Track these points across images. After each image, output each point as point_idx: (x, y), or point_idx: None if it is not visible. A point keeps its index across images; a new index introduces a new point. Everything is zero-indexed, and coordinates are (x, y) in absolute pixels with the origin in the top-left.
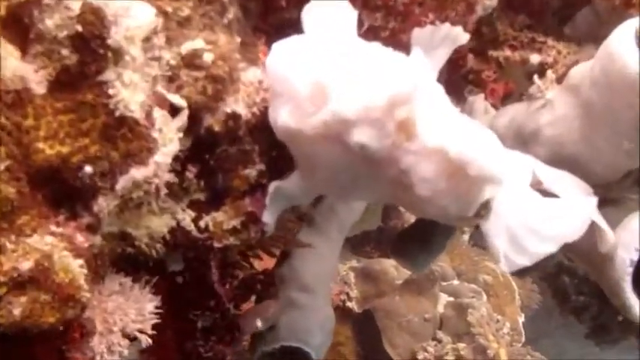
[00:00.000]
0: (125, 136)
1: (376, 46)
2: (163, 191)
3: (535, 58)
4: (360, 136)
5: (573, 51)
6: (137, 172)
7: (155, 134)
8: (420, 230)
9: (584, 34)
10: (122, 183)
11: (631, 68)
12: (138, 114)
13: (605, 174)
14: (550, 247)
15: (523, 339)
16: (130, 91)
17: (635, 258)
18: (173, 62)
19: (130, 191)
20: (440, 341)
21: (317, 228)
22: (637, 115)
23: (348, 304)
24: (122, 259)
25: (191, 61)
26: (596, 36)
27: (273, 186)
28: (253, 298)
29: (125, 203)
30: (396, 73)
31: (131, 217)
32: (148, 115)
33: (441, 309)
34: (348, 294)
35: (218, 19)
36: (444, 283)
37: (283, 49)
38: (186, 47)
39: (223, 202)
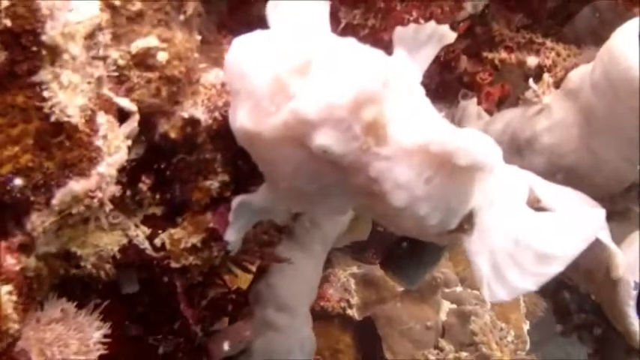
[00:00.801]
0: (62, 144)
1: (349, 43)
2: (108, 206)
3: (533, 61)
4: (323, 138)
5: (573, 53)
6: (77, 185)
7: (98, 142)
8: (410, 242)
9: (585, 35)
10: (59, 197)
11: (635, 70)
12: (77, 119)
13: (607, 185)
14: (531, 285)
15: (528, 347)
16: (68, 93)
17: None
18: (122, 62)
19: (69, 206)
20: (442, 349)
21: (297, 241)
22: None
23: (349, 311)
24: (66, 282)
25: (143, 60)
26: (597, 37)
27: (237, 201)
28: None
29: (64, 220)
30: (364, 71)
31: (75, 235)
32: (90, 120)
33: (443, 316)
34: (348, 301)
35: (175, 14)
36: (447, 290)
37: (244, 43)
38: (137, 45)
39: (182, 217)
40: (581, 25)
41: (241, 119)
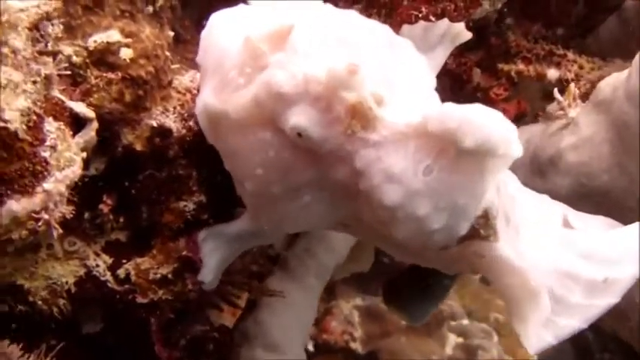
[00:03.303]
0: None
1: (348, 14)
2: (56, 231)
3: (553, 74)
4: (299, 117)
5: (597, 66)
6: (16, 205)
7: (45, 153)
8: (415, 272)
9: (610, 46)
10: None
11: None
12: (16, 124)
13: None
14: (580, 322)
15: None
16: (6, 94)
17: None
18: (76, 59)
19: (9, 230)
20: None
21: (290, 272)
22: None
23: (352, 344)
24: (11, 320)
25: (102, 58)
26: (623, 49)
27: (204, 234)
28: None
29: (3, 246)
30: (354, 43)
31: (20, 265)
32: (35, 127)
33: (449, 351)
34: (351, 334)
35: (142, 4)
36: (453, 323)
37: (221, 15)
38: (96, 40)
39: (150, 244)
40: (606, 35)
41: (205, 97)
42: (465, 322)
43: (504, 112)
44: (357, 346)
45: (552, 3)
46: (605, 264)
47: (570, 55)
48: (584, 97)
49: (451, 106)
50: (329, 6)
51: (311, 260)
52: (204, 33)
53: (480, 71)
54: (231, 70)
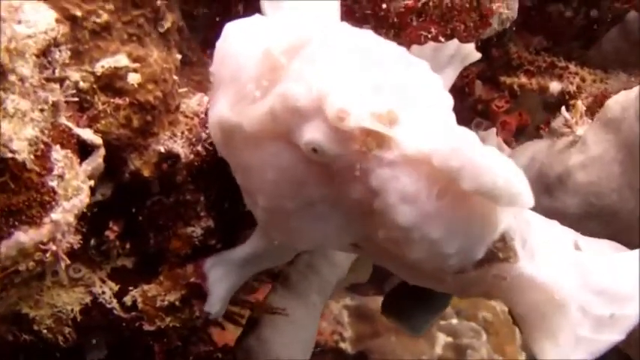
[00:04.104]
0: (6, 186)
1: (364, 32)
2: (64, 262)
3: (555, 87)
4: (314, 133)
5: (600, 78)
6: (24, 236)
7: (52, 182)
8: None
9: (613, 58)
10: (3, 251)
11: None
12: (25, 155)
13: None
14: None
15: None
16: (14, 123)
17: None
18: (84, 85)
19: (16, 262)
20: None
21: (293, 289)
22: None
23: (342, 344)
24: (16, 349)
25: (110, 83)
26: (626, 61)
27: (210, 263)
28: None
29: (10, 278)
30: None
31: (26, 293)
32: (43, 156)
33: (439, 350)
34: (341, 334)
35: (149, 28)
36: (442, 322)
37: (236, 25)
38: (103, 65)
39: (157, 270)
40: (609, 47)
41: (220, 109)
42: (455, 321)
43: (505, 124)
44: (346, 347)
45: (554, 15)
46: (614, 300)
47: (572, 68)
48: (587, 110)
49: (461, 143)
50: (345, 24)
51: (314, 276)
52: (219, 43)
53: (482, 83)
54: (248, 83)
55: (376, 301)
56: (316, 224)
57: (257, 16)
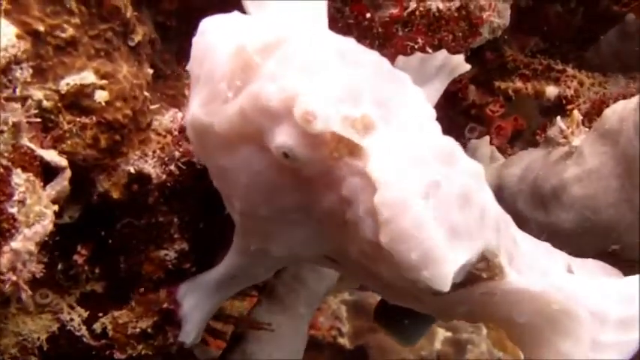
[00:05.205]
0: None
1: (345, 40)
2: (25, 293)
3: (552, 91)
4: (285, 136)
5: (598, 81)
6: None
7: (12, 209)
8: None
9: (611, 61)
10: None
11: None
12: None
13: None
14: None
15: None
16: None
17: None
18: (47, 104)
19: None
20: None
21: (279, 302)
22: None
23: (340, 339)
24: None
25: (76, 101)
26: (624, 64)
27: (183, 290)
28: None
29: None
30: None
31: None
32: (2, 180)
33: (438, 345)
34: (339, 329)
35: (119, 42)
36: None
37: (213, 20)
38: (69, 82)
39: (128, 295)
40: (607, 49)
41: (193, 110)
42: None
43: (500, 129)
44: (345, 342)
45: (550, 15)
46: (614, 326)
47: (569, 71)
48: (584, 116)
49: (406, 194)
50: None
51: (301, 287)
52: (195, 40)
53: (475, 88)
54: (220, 82)
55: (375, 297)
56: (291, 232)
57: (236, 12)
